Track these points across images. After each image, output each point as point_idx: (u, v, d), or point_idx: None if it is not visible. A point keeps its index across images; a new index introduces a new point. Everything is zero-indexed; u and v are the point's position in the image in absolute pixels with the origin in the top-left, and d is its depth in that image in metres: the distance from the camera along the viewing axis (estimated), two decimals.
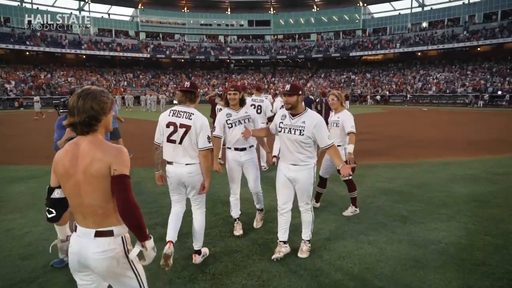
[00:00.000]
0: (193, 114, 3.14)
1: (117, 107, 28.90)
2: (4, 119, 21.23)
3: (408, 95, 42.27)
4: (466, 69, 44.38)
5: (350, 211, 4.55)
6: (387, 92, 45.35)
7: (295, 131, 3.21)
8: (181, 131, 3.11)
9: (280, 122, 3.34)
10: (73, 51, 48.35)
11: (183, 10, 60.05)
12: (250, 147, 3.94)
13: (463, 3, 50.10)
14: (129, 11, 61.86)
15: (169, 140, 3.16)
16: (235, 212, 4.02)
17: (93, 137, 1.78)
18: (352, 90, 48.46)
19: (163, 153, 3.24)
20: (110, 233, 1.76)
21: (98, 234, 1.74)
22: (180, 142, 3.12)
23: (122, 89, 45.18)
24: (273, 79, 58.40)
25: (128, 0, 56.91)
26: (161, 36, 59.39)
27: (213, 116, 8.46)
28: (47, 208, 1.86)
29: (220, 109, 7.82)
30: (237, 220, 4.01)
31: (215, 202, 4.92)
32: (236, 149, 3.90)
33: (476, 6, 48.32)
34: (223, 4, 60.77)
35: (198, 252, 3.32)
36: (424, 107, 33.01)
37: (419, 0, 54.67)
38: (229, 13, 61.59)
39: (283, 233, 3.40)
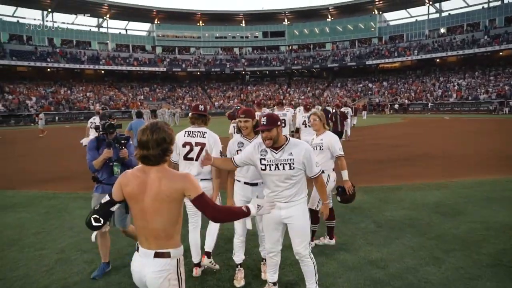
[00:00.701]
0: (206, 132, 3.55)
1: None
2: (18, 136, 21.38)
3: (429, 103, 40.94)
4: (489, 75, 42.83)
5: (323, 241, 4.01)
6: (406, 101, 44.15)
7: (283, 166, 2.76)
8: (196, 149, 3.49)
9: (261, 159, 2.82)
10: (91, 66, 49.34)
11: (198, 24, 60.70)
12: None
13: (483, 7, 48.80)
14: (146, 26, 62.97)
15: (186, 159, 3.53)
16: (238, 256, 3.43)
17: (161, 166, 1.93)
18: (370, 99, 47.50)
19: (180, 170, 3.43)
20: (167, 255, 1.91)
21: (157, 255, 1.90)
22: (196, 159, 3.46)
23: (139, 103, 45.60)
24: (288, 89, 57.97)
25: (145, 15, 57.95)
26: (176, 50, 60.08)
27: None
28: (96, 216, 2.02)
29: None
30: (239, 266, 3.43)
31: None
32: (246, 183, 3.34)
33: (496, 10, 46.97)
34: (237, 17, 61.15)
35: (207, 254, 3.46)
36: (446, 116, 31.75)
37: (437, 6, 53.51)
38: (243, 25, 61.88)
39: (272, 274, 3.03)
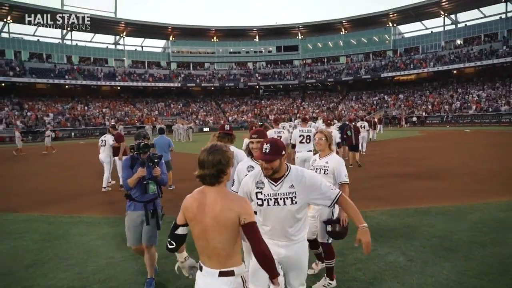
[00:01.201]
0: (232, 151, 3.16)
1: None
2: (33, 152, 21.34)
3: (449, 116, 39.86)
4: (509, 86, 41.62)
5: (322, 283, 3.49)
6: (424, 113, 43.18)
7: (284, 201, 2.38)
8: None
9: (258, 193, 2.43)
10: (108, 83, 50.21)
11: (212, 40, 61.43)
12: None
13: (500, 17, 47.85)
14: (161, 43, 64.09)
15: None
16: None
17: (219, 187, 2.01)
18: (386, 112, 46.68)
19: None
20: (231, 273, 1.96)
21: (221, 274, 1.95)
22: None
23: (154, 119, 45.99)
24: (302, 103, 57.65)
25: (160, 32, 59.02)
26: (191, 65, 60.75)
27: None
28: (169, 240, 2.11)
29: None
30: None
31: None
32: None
33: None
34: (251, 32, 61.65)
35: None
36: (466, 128, 30.74)
37: (452, 17, 52.80)
38: (257, 40, 62.31)
39: None
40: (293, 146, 7.21)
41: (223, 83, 58.12)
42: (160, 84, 54.57)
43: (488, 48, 44.96)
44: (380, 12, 54.62)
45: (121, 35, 57.20)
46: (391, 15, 54.56)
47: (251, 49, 62.50)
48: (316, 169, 3.57)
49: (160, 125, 19.89)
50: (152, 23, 56.11)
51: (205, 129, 47.49)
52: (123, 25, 54.62)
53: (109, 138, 9.00)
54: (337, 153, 6.56)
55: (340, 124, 13.73)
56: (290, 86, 60.51)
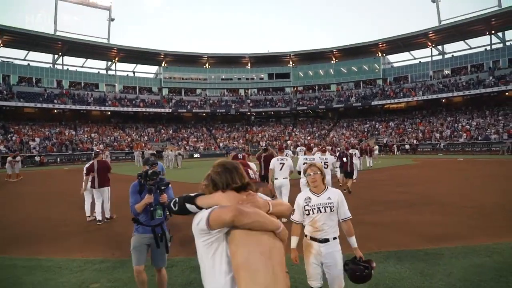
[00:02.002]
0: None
1: (139, 164, 28.13)
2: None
3: (442, 144, 39.93)
4: (497, 115, 42.24)
5: None
6: (415, 141, 43.34)
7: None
8: None
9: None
10: (97, 107, 49.62)
11: (204, 66, 61.88)
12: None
13: (485, 49, 49.27)
14: (153, 68, 64.28)
15: None
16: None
17: None
18: (377, 140, 46.71)
19: None
20: None
21: None
22: None
23: (143, 144, 45.22)
24: (294, 129, 57.66)
25: (153, 59, 59.29)
26: (183, 91, 60.77)
27: (265, 172, 8.44)
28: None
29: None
30: None
31: None
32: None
33: (499, 52, 47.41)
34: (243, 59, 62.35)
35: None
36: (459, 157, 30.68)
37: (439, 48, 54.24)
38: (249, 67, 62.96)
39: None
40: (299, 172, 7.44)
41: (214, 109, 58.03)
42: (151, 110, 54.18)
43: (475, 78, 45.94)
44: (370, 42, 55.90)
45: (113, 60, 57.26)
46: (380, 45, 55.83)
47: (243, 76, 63.01)
48: (318, 209, 3.15)
49: (150, 151, 19.25)
50: (145, 49, 56.40)
51: (195, 155, 46.80)
52: (115, 51, 54.78)
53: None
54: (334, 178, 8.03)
55: (338, 150, 14.17)
56: (282, 113, 60.72)
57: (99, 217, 7.95)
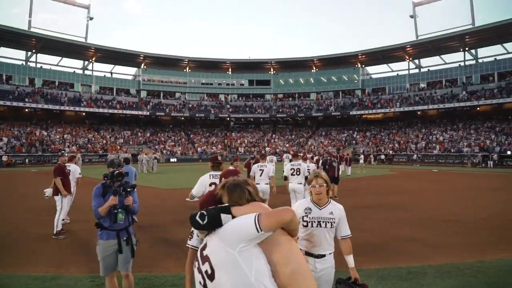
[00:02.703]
0: None
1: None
2: None
3: (417, 155, 40.73)
4: (469, 128, 43.62)
5: None
6: (391, 151, 44.13)
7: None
8: None
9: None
10: (72, 108, 48.00)
11: (184, 70, 61.16)
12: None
13: (459, 65, 51.00)
14: (132, 70, 62.95)
15: None
16: None
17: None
18: (354, 149, 47.29)
19: None
20: None
21: None
22: None
23: (118, 147, 43.96)
24: (273, 136, 57.66)
25: (132, 60, 58.09)
26: (161, 94, 59.77)
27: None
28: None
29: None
30: None
31: None
32: None
33: (472, 68, 49.15)
34: (224, 65, 62.05)
35: None
36: (433, 168, 31.33)
37: (416, 62, 55.73)
38: (230, 73, 62.71)
39: None
40: (285, 178, 8.32)
41: (193, 113, 57.31)
42: (128, 112, 52.91)
43: (450, 92, 47.40)
44: (350, 53, 56.84)
45: (90, 60, 55.73)
46: (360, 57, 56.86)
47: (224, 81, 62.67)
48: (319, 222, 2.94)
49: (125, 155, 18.54)
50: (124, 50, 55.16)
51: (172, 160, 45.89)
52: (93, 50, 53.34)
53: (74, 169, 8.48)
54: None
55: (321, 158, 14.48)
56: (261, 119, 60.66)
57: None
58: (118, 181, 3.63)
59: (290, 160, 8.92)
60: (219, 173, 4.73)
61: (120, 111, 52.20)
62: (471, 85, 47.51)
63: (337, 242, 3.02)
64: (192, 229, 2.32)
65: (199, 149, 51.06)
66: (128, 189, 3.65)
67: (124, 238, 3.59)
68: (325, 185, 2.96)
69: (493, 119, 43.45)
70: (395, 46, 52.44)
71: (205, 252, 1.60)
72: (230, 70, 62.69)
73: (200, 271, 1.59)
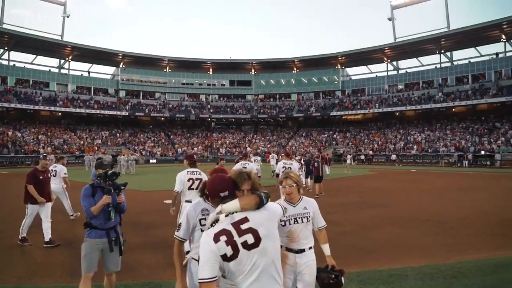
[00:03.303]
0: (200, 171, 5.41)
1: (92, 169, 26.27)
2: None
3: (395, 155, 41.52)
4: (445, 129, 44.77)
5: None
6: (370, 152, 44.79)
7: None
8: (196, 182, 5.28)
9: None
10: (47, 108, 46.50)
11: (165, 70, 60.31)
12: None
13: (436, 67, 52.31)
14: (110, 69, 61.58)
15: (190, 189, 5.30)
16: None
17: None
18: (334, 149, 47.77)
19: (186, 196, 5.29)
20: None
21: None
22: (197, 188, 5.12)
23: (96, 148, 42.83)
24: (254, 136, 57.57)
25: (110, 59, 56.81)
26: (141, 94, 58.73)
27: None
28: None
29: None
30: None
31: None
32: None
33: (448, 70, 50.48)
34: (205, 65, 61.54)
35: None
36: (411, 168, 31.95)
37: (394, 64, 56.83)
38: (211, 73, 62.25)
39: None
40: (277, 175, 8.82)
41: (173, 114, 56.56)
42: (106, 112, 51.70)
43: (426, 94, 48.55)
44: (330, 54, 57.43)
45: (67, 59, 54.16)
46: (340, 58, 57.52)
47: (204, 81, 62.16)
48: (295, 219, 3.05)
49: (106, 156, 17.98)
50: (102, 48, 53.85)
51: (152, 161, 45.10)
52: (69, 48, 51.85)
53: (60, 169, 8.69)
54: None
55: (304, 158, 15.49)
56: (242, 120, 60.48)
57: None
58: (112, 180, 3.70)
59: (277, 160, 9.99)
60: (195, 169, 5.41)
61: (98, 111, 50.95)
62: (447, 86, 48.82)
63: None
64: (180, 221, 2.72)
65: (179, 150, 50.40)
66: (122, 187, 3.81)
67: (113, 238, 3.66)
68: (294, 185, 3.08)
69: (468, 120, 44.77)
70: (374, 48, 53.32)
71: (244, 227, 1.91)
72: (211, 70, 62.24)
73: (230, 243, 1.85)
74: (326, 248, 3.12)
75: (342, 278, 2.97)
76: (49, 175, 6.94)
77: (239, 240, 1.87)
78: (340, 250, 5.62)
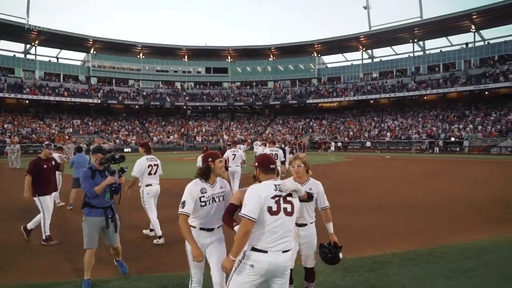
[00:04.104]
0: (156, 158, 6.14)
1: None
2: None
3: (369, 142, 42.47)
4: (417, 117, 46.03)
5: None
6: (346, 139, 45.52)
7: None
8: (154, 168, 5.98)
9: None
10: (12, 95, 44.27)
11: (138, 56, 58.58)
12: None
13: (409, 56, 53.39)
14: (80, 55, 59.15)
15: (149, 174, 5.94)
16: None
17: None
18: (311, 137, 48.26)
19: (146, 181, 5.93)
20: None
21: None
22: (155, 174, 6.02)
23: (67, 137, 41.30)
24: (231, 124, 57.25)
25: (80, 44, 54.53)
26: (114, 81, 56.90)
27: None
28: None
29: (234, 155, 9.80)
30: None
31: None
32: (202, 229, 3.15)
33: (420, 59, 51.59)
34: (180, 51, 60.19)
35: None
36: (386, 155, 32.73)
37: (369, 52, 57.55)
38: (186, 60, 61.01)
39: None
40: None
41: (148, 101, 55.24)
42: (77, 100, 49.82)
43: (400, 82, 49.58)
44: (306, 42, 57.46)
45: (33, 43, 51.50)
46: (316, 46, 57.65)
47: (180, 68, 60.89)
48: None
49: (80, 144, 17.26)
50: (70, 33, 51.40)
51: (126, 150, 43.95)
52: (35, 33, 49.16)
53: (56, 156, 8.16)
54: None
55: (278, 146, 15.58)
56: (219, 108, 59.89)
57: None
58: (120, 163, 4.21)
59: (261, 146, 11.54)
60: (152, 156, 6.07)
61: (68, 99, 49.03)
62: (419, 75, 49.99)
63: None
64: (184, 199, 3.02)
65: (154, 138, 49.45)
66: (125, 170, 4.30)
67: (110, 216, 4.15)
68: (302, 165, 3.44)
69: (438, 107, 46.19)
70: (350, 36, 53.73)
71: (289, 199, 2.71)
72: (186, 57, 60.98)
73: (277, 211, 2.62)
74: (330, 226, 3.50)
75: (341, 254, 3.41)
76: (53, 163, 6.27)
77: (283, 207, 2.64)
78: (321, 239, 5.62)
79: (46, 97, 47.07)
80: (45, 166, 5.98)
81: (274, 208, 2.60)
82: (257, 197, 2.57)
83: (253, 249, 2.57)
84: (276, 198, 2.63)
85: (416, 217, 7.42)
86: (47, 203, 5.89)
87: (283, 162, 11.38)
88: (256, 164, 2.90)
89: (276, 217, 2.59)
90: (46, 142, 7.38)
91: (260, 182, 2.77)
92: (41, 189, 5.82)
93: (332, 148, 32.66)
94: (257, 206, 2.54)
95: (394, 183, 13.42)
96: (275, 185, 2.67)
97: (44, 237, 5.80)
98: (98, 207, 4.07)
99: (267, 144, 11.37)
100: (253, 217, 2.51)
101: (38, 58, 52.70)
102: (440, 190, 11.17)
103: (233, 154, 9.66)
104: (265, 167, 2.81)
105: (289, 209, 2.66)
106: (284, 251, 2.58)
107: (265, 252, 2.54)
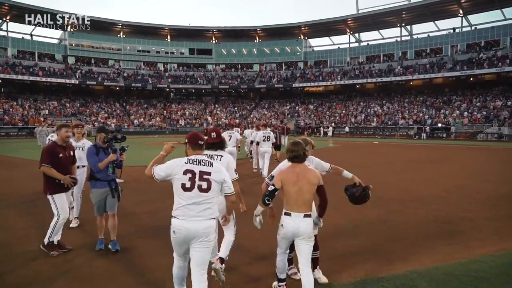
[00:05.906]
0: None
1: (42, 144, 23.44)
2: None
3: (347, 127, 42.17)
4: (404, 102, 45.76)
5: (318, 274, 3.74)
6: (333, 124, 44.88)
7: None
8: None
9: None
10: None
11: (118, 35, 55.99)
12: None
13: (396, 40, 52.76)
14: (57, 33, 56.00)
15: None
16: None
17: (303, 164, 3.34)
18: (296, 121, 47.47)
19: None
20: (310, 215, 3.23)
21: (306, 216, 3.18)
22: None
23: (42, 119, 39.17)
24: (215, 107, 55.87)
25: (56, 21, 51.35)
26: (92, 61, 54.35)
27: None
28: (267, 198, 3.23)
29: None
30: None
31: None
32: None
33: (407, 44, 51.07)
34: (162, 31, 57.82)
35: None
36: (375, 140, 32.27)
37: (356, 36, 56.61)
38: (169, 40, 58.74)
39: None
40: (258, 143, 10.97)
41: (129, 83, 53.11)
42: (53, 80, 47.38)
43: (387, 67, 49.01)
44: (293, 24, 56.03)
45: (4, 19, 48.35)
46: (303, 28, 56.29)
47: (162, 49, 58.63)
48: None
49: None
50: (45, 9, 48.25)
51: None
52: (6, 7, 46.12)
53: (55, 137, 6.64)
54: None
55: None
56: (203, 90, 58.23)
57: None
58: (123, 141, 4.73)
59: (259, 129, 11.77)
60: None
61: (44, 79, 46.56)
62: (406, 60, 49.55)
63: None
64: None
65: (136, 121, 47.74)
66: (126, 149, 4.83)
67: (114, 187, 4.64)
68: (311, 150, 3.80)
69: (425, 93, 45.99)
70: (337, 18, 52.55)
71: (205, 176, 2.92)
72: (169, 37, 58.67)
73: (191, 188, 2.89)
74: (346, 173, 3.89)
75: (369, 191, 3.69)
76: (71, 153, 4.88)
77: (197, 183, 2.87)
78: (325, 254, 4.79)
79: (20, 77, 44.52)
80: (61, 155, 4.62)
81: (188, 185, 2.83)
82: (173, 162, 2.91)
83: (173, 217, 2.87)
84: (189, 174, 2.83)
85: (427, 216, 6.46)
86: (64, 202, 4.62)
87: (273, 144, 11.71)
88: (186, 140, 3.06)
89: (189, 193, 2.82)
90: (62, 122, 6.03)
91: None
92: (56, 185, 4.55)
93: (330, 133, 30.15)
94: (167, 170, 2.89)
95: (391, 171, 12.70)
96: (197, 160, 2.91)
97: (46, 241, 4.51)
98: (102, 180, 4.56)
99: (260, 127, 11.72)
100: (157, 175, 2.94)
101: (10, 35, 49.71)
102: (440, 180, 10.44)
103: (229, 136, 10.23)
104: (194, 143, 3.03)
105: (204, 186, 2.84)
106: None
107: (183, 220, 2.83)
